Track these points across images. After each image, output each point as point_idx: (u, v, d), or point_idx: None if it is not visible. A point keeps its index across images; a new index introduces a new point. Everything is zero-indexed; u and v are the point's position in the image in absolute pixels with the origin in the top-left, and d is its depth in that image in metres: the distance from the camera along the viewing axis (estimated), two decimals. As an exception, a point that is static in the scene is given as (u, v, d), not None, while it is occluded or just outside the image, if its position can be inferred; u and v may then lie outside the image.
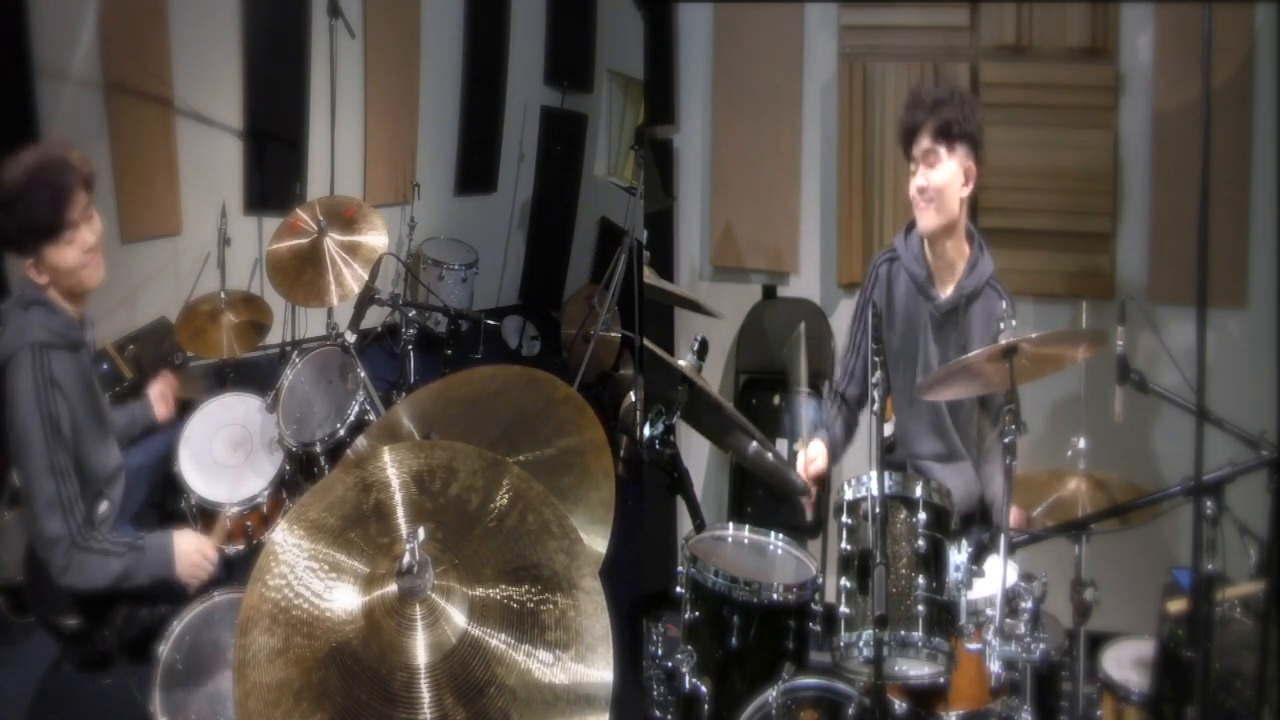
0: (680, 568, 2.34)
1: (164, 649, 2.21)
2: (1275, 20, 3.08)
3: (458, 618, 1.41)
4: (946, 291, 2.55)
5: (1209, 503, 2.04)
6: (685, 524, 2.84)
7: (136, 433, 2.73)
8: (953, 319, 2.53)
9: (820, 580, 2.32)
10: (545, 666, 1.39)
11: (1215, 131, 2.99)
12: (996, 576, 2.02)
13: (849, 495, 2.09)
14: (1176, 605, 2.47)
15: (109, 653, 2.41)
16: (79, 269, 2.23)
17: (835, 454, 2.68)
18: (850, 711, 2.02)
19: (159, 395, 2.79)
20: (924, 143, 2.43)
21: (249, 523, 2.77)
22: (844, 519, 2.08)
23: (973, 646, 2.01)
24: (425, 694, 1.35)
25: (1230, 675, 2.27)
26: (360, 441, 2.02)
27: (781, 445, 3.57)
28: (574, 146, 5.35)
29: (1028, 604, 2.05)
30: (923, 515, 2.02)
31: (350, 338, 3.01)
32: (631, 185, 4.70)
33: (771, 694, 2.09)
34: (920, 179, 2.45)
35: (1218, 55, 3.12)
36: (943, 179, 2.43)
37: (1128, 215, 3.36)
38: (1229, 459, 2.16)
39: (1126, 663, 2.60)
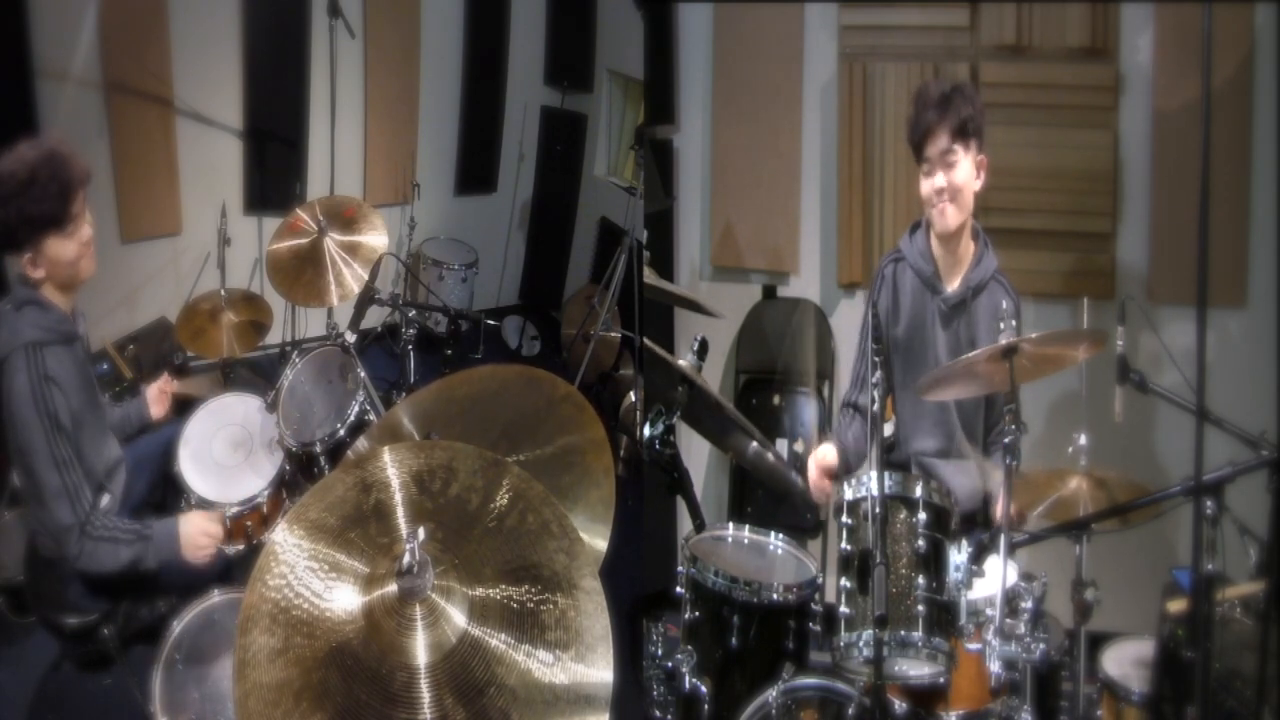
0: (680, 568, 2.34)
1: (164, 649, 2.21)
2: (1275, 20, 3.08)
3: (458, 618, 1.41)
4: (953, 285, 2.54)
5: (1209, 503, 2.04)
6: (685, 524, 2.84)
7: (131, 430, 2.75)
8: (960, 311, 2.53)
9: (820, 580, 2.32)
10: (545, 666, 1.39)
11: (1215, 131, 2.99)
12: (996, 576, 2.02)
13: (849, 495, 2.08)
14: (1176, 605, 2.46)
15: (109, 653, 2.42)
16: (77, 261, 2.29)
17: (848, 463, 2.64)
18: (850, 711, 2.03)
19: (156, 394, 2.81)
20: (941, 143, 2.40)
21: (249, 523, 2.76)
22: (844, 519, 2.07)
23: (973, 646, 2.00)
24: (425, 694, 1.35)
25: (1230, 675, 2.27)
26: (361, 442, 2.02)
27: (782, 445, 3.57)
28: (574, 146, 5.35)
29: (1028, 604, 2.05)
30: (923, 515, 2.02)
31: (350, 338, 3.01)
32: (631, 185, 4.70)
33: (771, 694, 2.09)
34: (940, 180, 2.42)
35: (1218, 55, 3.12)
36: (963, 178, 2.42)
37: (1128, 215, 3.36)
38: (1229, 459, 2.16)
39: (1126, 663, 2.59)
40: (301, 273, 3.26)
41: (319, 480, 2.12)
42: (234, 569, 2.60)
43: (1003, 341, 2.11)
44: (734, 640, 2.23)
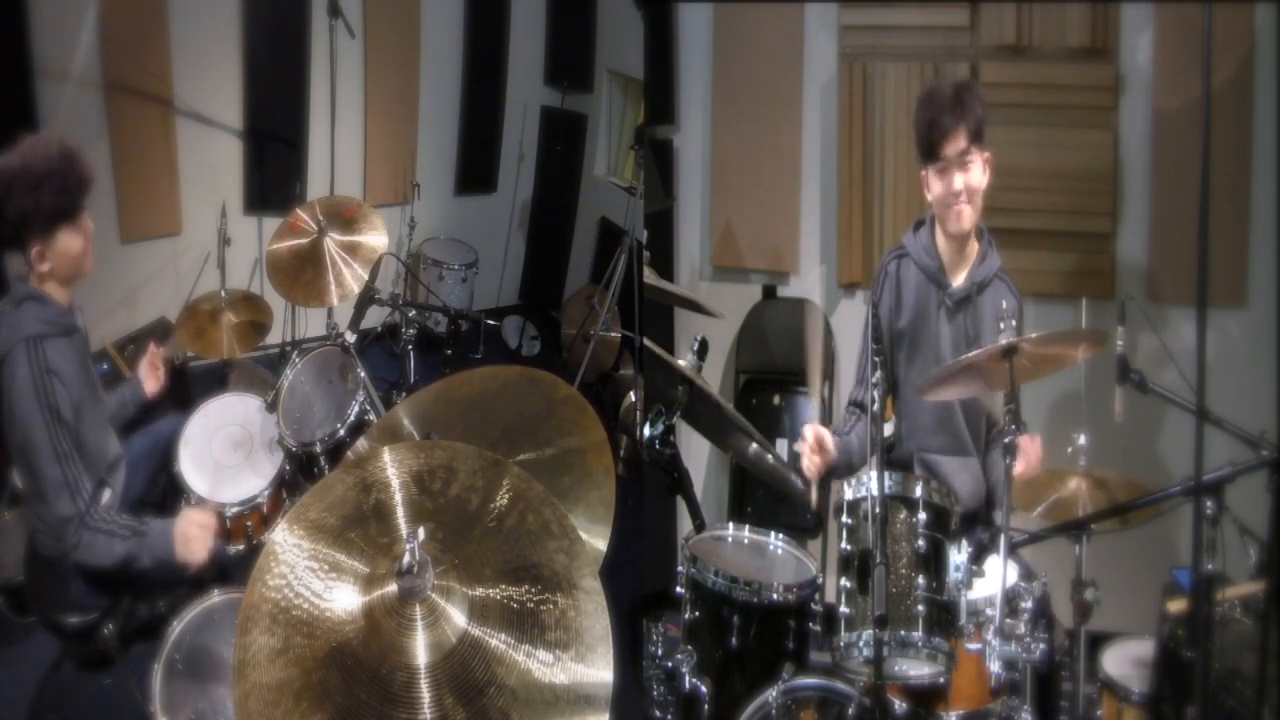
0: (680, 568, 2.34)
1: (164, 649, 2.21)
2: (1275, 20, 3.08)
3: (458, 618, 1.41)
4: (958, 281, 2.54)
5: (1209, 503, 2.03)
6: (685, 524, 2.84)
7: (130, 413, 2.73)
8: (965, 306, 2.53)
9: (820, 580, 2.32)
10: (545, 666, 1.39)
11: (1215, 131, 2.99)
12: (996, 576, 2.02)
13: (849, 495, 2.08)
14: (1176, 605, 2.46)
15: (109, 653, 2.42)
16: (83, 254, 2.33)
17: (852, 463, 2.62)
18: (850, 711, 2.03)
19: (148, 368, 2.77)
20: (959, 144, 2.38)
21: (249, 523, 2.77)
22: (844, 519, 2.08)
23: (973, 646, 2.00)
24: (425, 694, 1.35)
25: (1230, 675, 2.27)
26: (361, 442, 2.02)
27: (782, 445, 3.57)
28: (574, 146, 5.35)
29: (1028, 604, 2.05)
30: (923, 515, 2.02)
31: (350, 338, 3.01)
32: (631, 185, 4.70)
33: (771, 694, 2.09)
34: (958, 182, 2.40)
35: (1218, 55, 3.12)
36: (979, 179, 2.42)
37: (1128, 215, 3.36)
38: (1229, 459, 2.15)
39: (1126, 663, 2.59)
40: (301, 273, 3.26)
41: (319, 480, 2.12)
42: (234, 569, 2.60)
43: (1003, 341, 2.11)
44: (734, 640, 2.23)
